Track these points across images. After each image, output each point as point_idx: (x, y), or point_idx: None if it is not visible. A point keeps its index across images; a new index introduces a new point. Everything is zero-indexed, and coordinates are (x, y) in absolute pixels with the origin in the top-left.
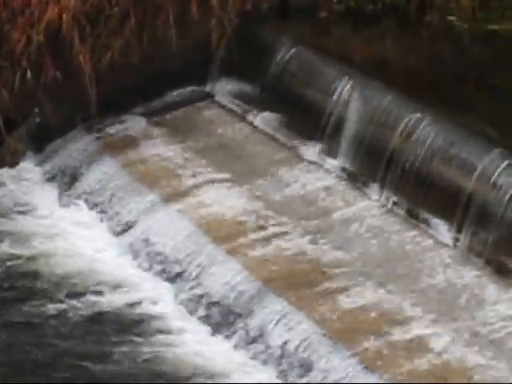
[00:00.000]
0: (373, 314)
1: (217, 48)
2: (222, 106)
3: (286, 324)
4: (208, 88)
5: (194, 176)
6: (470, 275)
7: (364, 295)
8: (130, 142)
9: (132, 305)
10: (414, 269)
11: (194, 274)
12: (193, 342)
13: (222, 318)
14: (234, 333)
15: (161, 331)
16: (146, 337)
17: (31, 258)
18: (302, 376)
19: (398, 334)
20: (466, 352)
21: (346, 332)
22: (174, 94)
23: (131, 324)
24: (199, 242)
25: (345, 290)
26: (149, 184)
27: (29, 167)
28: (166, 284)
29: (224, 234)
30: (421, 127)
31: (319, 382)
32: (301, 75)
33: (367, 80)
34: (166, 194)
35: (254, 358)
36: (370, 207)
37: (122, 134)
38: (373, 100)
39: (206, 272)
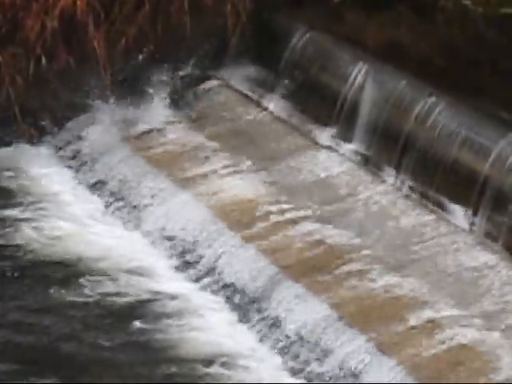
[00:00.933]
0: (389, 299)
1: (232, 34)
2: (237, 92)
3: (303, 309)
4: (223, 74)
5: (208, 161)
6: (486, 259)
7: (380, 279)
8: (144, 128)
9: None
10: (430, 253)
11: (210, 260)
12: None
13: (241, 304)
14: (250, 321)
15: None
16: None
17: None
18: (317, 361)
19: (415, 318)
20: (483, 336)
21: (362, 316)
22: (188, 80)
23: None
24: (214, 228)
25: (361, 274)
26: (164, 169)
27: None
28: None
29: (240, 219)
30: (436, 111)
31: (336, 366)
32: (315, 61)
33: (382, 65)
34: (180, 180)
35: (273, 346)
36: (386, 191)
37: (135, 120)
38: (387, 84)
39: (221, 259)
